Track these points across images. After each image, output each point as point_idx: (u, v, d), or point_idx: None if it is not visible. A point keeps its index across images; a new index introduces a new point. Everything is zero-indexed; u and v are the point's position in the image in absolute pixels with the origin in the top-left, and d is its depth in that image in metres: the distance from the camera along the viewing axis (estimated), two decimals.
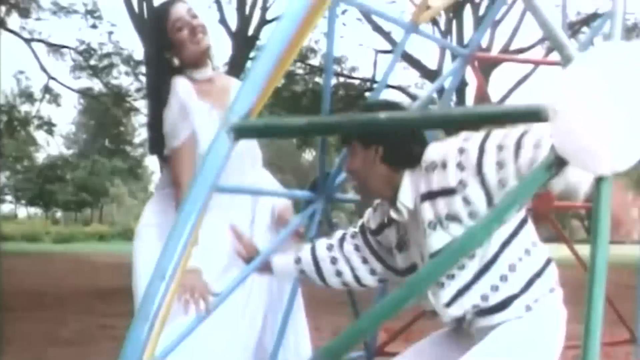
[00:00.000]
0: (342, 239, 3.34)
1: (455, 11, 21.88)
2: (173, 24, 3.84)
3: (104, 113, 33.16)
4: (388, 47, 22.06)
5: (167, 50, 3.87)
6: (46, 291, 15.31)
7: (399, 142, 2.97)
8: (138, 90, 24.74)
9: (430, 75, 21.53)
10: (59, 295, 14.71)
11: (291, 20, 1.81)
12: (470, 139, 2.81)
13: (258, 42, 19.57)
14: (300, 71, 21.48)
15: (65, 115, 73.02)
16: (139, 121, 35.29)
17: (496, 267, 2.88)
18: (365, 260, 3.30)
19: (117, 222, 58.78)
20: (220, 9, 19.83)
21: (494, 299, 2.90)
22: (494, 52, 20.76)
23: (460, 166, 2.79)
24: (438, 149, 2.92)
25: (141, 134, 49.57)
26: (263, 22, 20.03)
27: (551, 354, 2.95)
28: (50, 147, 67.53)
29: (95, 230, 50.48)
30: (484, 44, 21.39)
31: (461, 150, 2.80)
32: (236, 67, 18.13)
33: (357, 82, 23.37)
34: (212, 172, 1.73)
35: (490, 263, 2.88)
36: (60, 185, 60.24)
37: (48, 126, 30.75)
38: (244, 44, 18.96)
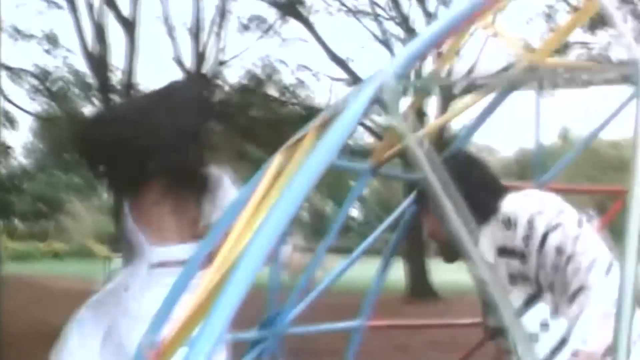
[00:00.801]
0: None
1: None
2: None
3: (60, 134, 32.86)
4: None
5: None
6: None
7: (470, 198, 2.90)
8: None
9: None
10: (9, 337, 13.83)
11: None
12: (538, 217, 2.79)
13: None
14: (257, 99, 21.37)
15: (22, 137, 72.48)
16: None
17: None
18: None
19: (73, 239, 58.27)
20: (175, 44, 19.67)
21: None
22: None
23: (525, 241, 2.80)
24: (512, 207, 2.89)
25: None
26: (218, 62, 19.92)
27: None
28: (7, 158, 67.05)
29: (51, 248, 49.89)
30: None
31: (530, 226, 2.80)
32: None
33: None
34: None
35: None
36: (18, 195, 59.80)
37: (3, 147, 30.48)
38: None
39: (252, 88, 21.54)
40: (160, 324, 2.68)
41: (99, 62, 18.63)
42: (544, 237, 2.73)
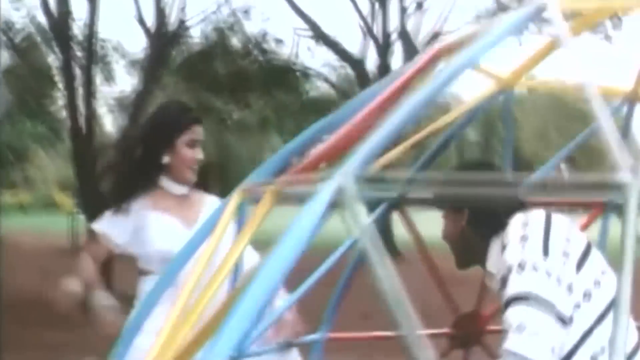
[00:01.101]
0: None
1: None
2: (188, 140, 3.82)
3: (24, 84, 32.67)
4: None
5: (164, 154, 3.82)
6: None
7: (486, 208, 2.90)
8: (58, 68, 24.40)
9: (350, 59, 21.51)
10: None
11: None
12: (515, 273, 2.66)
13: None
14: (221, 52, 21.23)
15: None
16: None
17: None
18: None
19: (37, 189, 57.86)
20: (137, 3, 19.41)
21: None
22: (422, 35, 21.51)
23: (500, 283, 2.71)
24: (509, 236, 2.79)
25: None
26: (180, 21, 19.74)
27: None
28: None
29: (17, 199, 49.42)
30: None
31: (506, 274, 2.69)
32: (152, 64, 18.09)
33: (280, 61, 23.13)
34: None
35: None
36: None
37: None
38: (160, 42, 18.67)
39: (216, 41, 21.37)
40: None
41: (59, 18, 18.44)
42: (508, 303, 2.62)
